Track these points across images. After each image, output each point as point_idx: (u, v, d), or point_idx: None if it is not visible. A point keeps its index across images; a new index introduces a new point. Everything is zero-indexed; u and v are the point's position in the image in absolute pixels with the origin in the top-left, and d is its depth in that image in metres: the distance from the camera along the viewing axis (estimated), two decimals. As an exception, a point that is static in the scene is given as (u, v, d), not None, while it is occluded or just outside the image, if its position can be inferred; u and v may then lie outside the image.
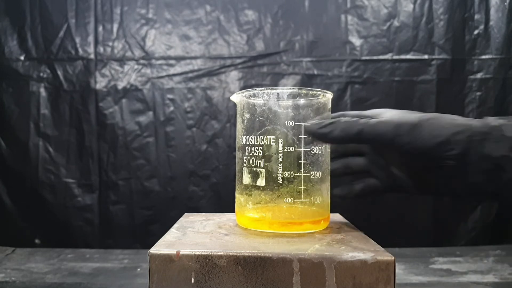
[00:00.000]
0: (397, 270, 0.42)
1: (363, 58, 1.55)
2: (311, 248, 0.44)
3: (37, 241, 1.60)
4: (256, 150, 0.44)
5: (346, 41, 1.56)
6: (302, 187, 0.44)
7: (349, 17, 1.56)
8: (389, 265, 0.42)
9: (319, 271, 0.42)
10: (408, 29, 1.54)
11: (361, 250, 0.44)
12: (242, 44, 1.59)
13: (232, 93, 1.56)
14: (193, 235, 0.51)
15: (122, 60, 1.60)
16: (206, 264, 0.43)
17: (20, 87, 1.60)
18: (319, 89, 0.45)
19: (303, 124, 0.44)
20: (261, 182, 0.44)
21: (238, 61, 1.59)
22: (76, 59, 1.60)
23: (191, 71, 1.59)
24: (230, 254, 0.43)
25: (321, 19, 1.57)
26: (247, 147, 0.45)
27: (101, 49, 1.60)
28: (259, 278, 0.42)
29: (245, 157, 0.45)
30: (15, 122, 1.60)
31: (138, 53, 1.60)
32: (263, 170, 0.44)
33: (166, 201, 1.58)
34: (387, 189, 0.47)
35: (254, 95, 0.45)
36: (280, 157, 0.43)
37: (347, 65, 1.55)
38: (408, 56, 1.54)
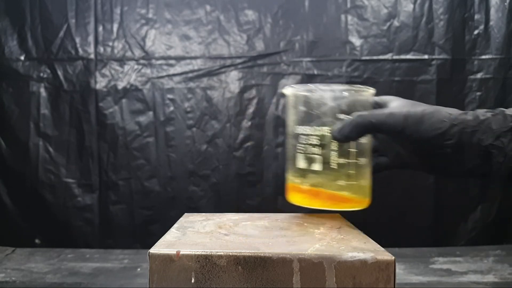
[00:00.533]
0: (397, 270, 0.43)
1: (363, 58, 1.55)
2: (311, 248, 0.44)
3: (37, 241, 1.60)
4: (311, 139, 0.50)
5: (346, 41, 1.56)
6: (351, 171, 0.50)
7: (349, 17, 1.56)
8: (389, 265, 0.42)
9: (319, 271, 0.42)
10: (408, 29, 1.54)
11: (361, 250, 0.44)
12: (242, 44, 1.59)
13: (232, 93, 1.59)
14: (193, 235, 0.51)
15: (122, 60, 1.60)
16: (206, 264, 0.43)
17: (20, 87, 1.60)
18: (364, 86, 0.51)
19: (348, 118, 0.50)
20: (316, 167, 0.50)
21: (238, 61, 1.59)
22: (76, 59, 1.60)
23: (191, 71, 1.59)
24: (230, 254, 0.43)
25: (321, 19, 1.57)
26: (301, 135, 0.51)
27: (101, 49, 1.60)
28: (259, 278, 0.43)
29: (300, 145, 0.51)
30: (15, 122, 1.60)
31: (138, 53, 1.60)
32: (318, 156, 0.50)
33: (166, 201, 1.59)
34: (396, 166, 0.55)
35: (309, 90, 0.51)
36: (333, 145, 0.49)
37: (347, 65, 1.56)
38: (408, 56, 1.54)
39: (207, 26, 1.60)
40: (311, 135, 0.50)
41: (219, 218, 0.64)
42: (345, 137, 0.48)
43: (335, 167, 0.50)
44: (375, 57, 1.56)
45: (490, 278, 1.27)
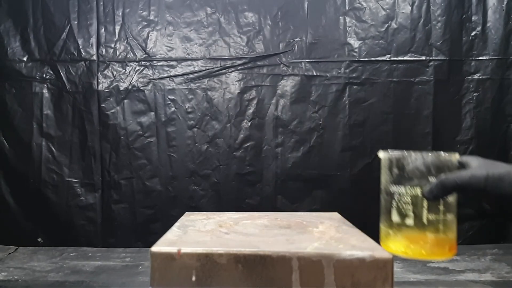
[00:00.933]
0: (394, 268, 0.43)
1: (362, 59, 1.56)
2: (310, 247, 0.45)
3: (39, 240, 1.61)
4: (405, 198, 0.55)
5: (344, 42, 1.58)
6: (440, 226, 0.56)
7: (348, 19, 1.58)
8: (387, 263, 0.43)
9: (318, 269, 0.43)
10: (406, 30, 1.55)
11: (360, 248, 0.45)
12: (242, 45, 1.60)
13: (233, 93, 1.60)
14: (194, 233, 0.52)
15: (124, 62, 1.61)
16: (207, 262, 0.44)
17: (23, 88, 1.61)
18: (447, 153, 0.57)
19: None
20: (408, 221, 0.55)
21: (238, 62, 1.60)
22: (78, 61, 1.61)
23: (192, 72, 1.60)
24: (231, 252, 0.44)
25: (320, 21, 1.58)
26: (396, 194, 0.57)
27: (103, 51, 1.61)
28: (259, 276, 0.43)
29: (394, 201, 0.57)
30: (18, 123, 1.61)
31: (139, 54, 1.61)
32: (411, 212, 0.56)
33: (168, 200, 1.60)
34: (480, 217, 0.60)
35: (403, 156, 0.58)
36: (424, 203, 0.55)
37: (345, 66, 1.57)
38: (406, 58, 1.55)
39: (207, 28, 1.61)
40: (405, 194, 0.56)
41: (220, 217, 0.65)
42: (434, 197, 0.54)
43: (425, 223, 0.55)
44: (373, 59, 1.57)
45: (487, 276, 1.28)
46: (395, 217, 0.57)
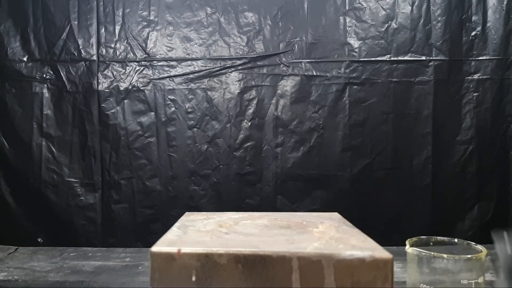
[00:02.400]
0: (395, 268, 0.43)
1: (362, 59, 1.57)
2: (310, 247, 0.45)
3: (39, 239, 1.61)
4: None
5: (344, 42, 1.58)
6: None
7: (348, 19, 1.58)
8: (387, 263, 0.43)
9: (318, 269, 0.43)
10: (406, 30, 1.56)
11: (360, 248, 0.45)
12: (242, 45, 1.60)
13: (233, 93, 1.60)
14: (194, 233, 0.52)
15: (124, 62, 1.61)
16: (207, 262, 0.44)
17: (23, 88, 1.61)
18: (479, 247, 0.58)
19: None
20: None
21: (238, 62, 1.60)
22: (78, 61, 1.61)
23: (192, 72, 1.61)
24: (231, 252, 0.44)
25: (320, 21, 1.58)
26: None
27: (103, 51, 1.61)
28: (259, 276, 0.43)
29: None
30: (18, 123, 1.61)
31: (139, 54, 1.61)
32: None
33: (168, 200, 1.60)
34: None
35: (434, 257, 0.58)
36: None
37: (345, 66, 1.57)
38: (406, 58, 1.55)
39: (207, 28, 1.61)
40: None
41: (220, 217, 0.65)
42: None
43: None
44: (373, 59, 1.57)
45: (487, 276, 1.27)
46: None
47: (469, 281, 0.57)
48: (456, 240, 0.61)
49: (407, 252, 0.61)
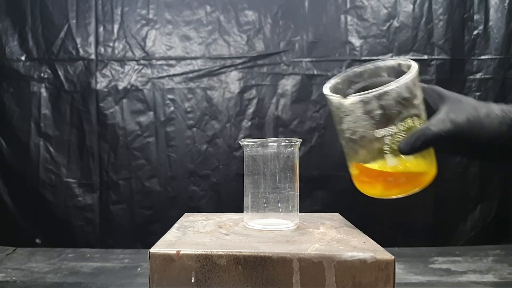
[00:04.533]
0: (396, 270, 0.43)
1: (363, 58, 1.56)
2: (311, 248, 0.44)
3: (37, 240, 1.60)
4: (398, 136, 0.49)
5: (346, 41, 1.57)
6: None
7: (349, 18, 1.57)
8: (389, 264, 0.42)
9: (318, 270, 0.42)
10: (408, 29, 1.55)
11: (361, 249, 0.44)
12: (242, 44, 1.59)
13: (233, 93, 1.59)
14: (193, 234, 0.52)
15: (122, 61, 1.60)
16: (206, 264, 0.43)
17: (21, 88, 1.61)
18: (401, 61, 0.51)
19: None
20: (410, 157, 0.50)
21: (238, 61, 1.59)
22: (77, 60, 1.60)
23: (191, 71, 1.60)
24: (230, 253, 0.43)
25: (321, 19, 1.57)
26: (386, 137, 0.49)
27: (101, 50, 1.60)
28: (259, 277, 0.43)
29: (386, 146, 0.49)
30: (16, 122, 1.60)
31: (138, 53, 1.60)
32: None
33: (167, 201, 1.59)
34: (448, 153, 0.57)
35: (381, 93, 0.48)
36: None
37: (347, 65, 1.56)
38: (408, 56, 1.54)
39: (207, 27, 1.60)
40: (399, 131, 0.48)
41: (219, 217, 0.64)
42: (413, 150, 0.48)
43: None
44: (374, 57, 1.56)
45: (489, 277, 1.27)
46: (392, 161, 0.49)
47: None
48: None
49: (343, 104, 0.49)
